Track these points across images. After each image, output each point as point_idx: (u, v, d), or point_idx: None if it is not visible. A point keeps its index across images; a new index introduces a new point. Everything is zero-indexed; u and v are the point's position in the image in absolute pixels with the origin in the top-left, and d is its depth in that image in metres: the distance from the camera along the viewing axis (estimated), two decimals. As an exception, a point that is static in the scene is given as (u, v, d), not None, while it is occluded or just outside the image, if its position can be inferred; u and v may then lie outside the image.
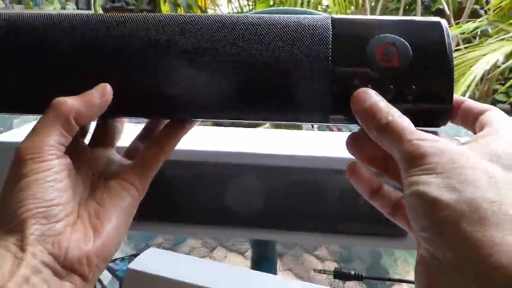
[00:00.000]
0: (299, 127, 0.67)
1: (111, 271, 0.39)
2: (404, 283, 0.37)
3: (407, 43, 0.19)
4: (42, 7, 3.51)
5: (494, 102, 2.99)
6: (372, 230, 0.29)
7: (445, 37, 0.20)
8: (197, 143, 0.30)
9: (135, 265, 0.31)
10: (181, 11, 2.96)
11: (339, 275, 0.37)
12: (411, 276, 0.38)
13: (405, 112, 0.19)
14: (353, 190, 0.28)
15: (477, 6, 2.27)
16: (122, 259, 0.41)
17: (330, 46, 0.20)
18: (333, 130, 0.61)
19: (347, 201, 0.28)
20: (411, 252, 0.42)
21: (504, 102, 2.63)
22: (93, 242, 0.19)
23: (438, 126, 0.21)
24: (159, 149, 0.22)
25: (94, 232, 0.20)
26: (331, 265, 0.38)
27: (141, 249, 0.42)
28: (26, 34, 0.21)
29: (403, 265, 0.41)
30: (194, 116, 0.22)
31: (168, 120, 0.23)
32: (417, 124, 0.19)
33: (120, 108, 0.21)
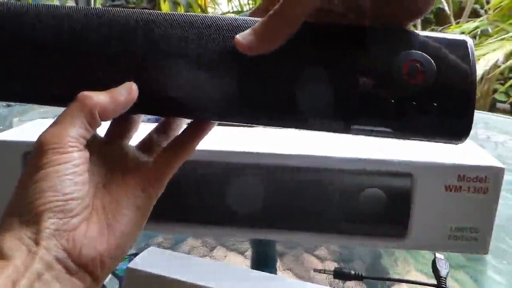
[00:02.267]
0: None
1: (111, 270, 0.39)
2: (404, 283, 0.37)
3: (432, 61, 0.20)
4: (42, 5, 3.48)
5: (494, 102, 3.00)
6: (372, 231, 0.29)
7: (470, 56, 0.20)
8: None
9: (135, 264, 0.30)
10: (181, 10, 2.95)
11: (339, 275, 0.37)
12: (411, 276, 0.38)
13: (424, 127, 0.19)
14: (354, 190, 0.28)
15: (477, 6, 2.27)
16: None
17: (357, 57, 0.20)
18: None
19: (347, 201, 0.28)
20: (411, 252, 0.42)
21: (504, 102, 2.62)
22: (107, 242, 0.19)
23: (456, 143, 0.20)
24: (180, 150, 0.22)
25: (109, 230, 0.20)
26: (331, 265, 0.38)
27: (141, 248, 0.42)
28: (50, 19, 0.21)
29: (403, 265, 0.41)
30: (213, 116, 0.22)
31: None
32: (435, 139, 0.20)
33: (139, 106, 0.21)
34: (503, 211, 0.53)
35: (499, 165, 0.27)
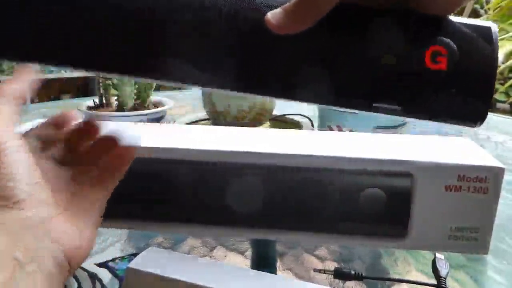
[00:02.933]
0: (299, 127, 0.67)
1: (111, 270, 0.39)
2: (404, 283, 0.37)
3: (455, 46, 0.20)
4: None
5: (494, 102, 2.99)
6: (372, 231, 0.29)
7: (494, 42, 0.20)
8: (199, 142, 0.30)
9: (135, 264, 0.30)
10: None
11: (339, 274, 0.37)
12: (411, 276, 0.38)
13: (444, 110, 0.20)
14: (353, 190, 0.28)
15: (477, 6, 2.27)
16: (122, 258, 0.40)
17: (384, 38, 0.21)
18: (333, 130, 0.61)
19: (347, 201, 0.28)
20: (411, 252, 0.42)
21: (503, 102, 2.62)
22: (79, 238, 0.20)
23: (472, 126, 0.21)
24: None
25: (80, 228, 0.21)
26: (331, 265, 0.38)
27: (141, 248, 0.42)
28: None
29: (403, 265, 0.41)
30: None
31: None
32: (451, 122, 0.20)
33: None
34: (503, 211, 0.53)
35: (499, 165, 0.27)
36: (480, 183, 0.27)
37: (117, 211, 0.30)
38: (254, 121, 0.63)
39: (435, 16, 0.21)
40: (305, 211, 0.29)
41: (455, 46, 0.20)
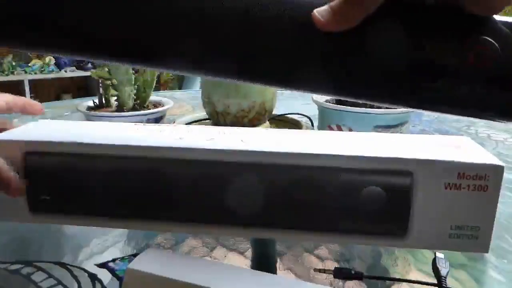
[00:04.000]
0: (299, 126, 0.67)
1: (111, 270, 0.39)
2: (404, 283, 0.37)
3: (498, 47, 0.21)
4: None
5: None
6: (372, 229, 0.29)
7: None
8: (195, 141, 0.30)
9: (135, 264, 0.30)
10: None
11: (339, 274, 0.37)
12: (411, 276, 0.38)
13: (482, 106, 0.21)
14: (353, 188, 0.28)
15: None
16: (122, 258, 0.40)
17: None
18: (333, 129, 0.60)
19: (346, 200, 0.28)
20: (411, 251, 0.42)
21: (504, 100, 2.61)
22: None
23: (505, 121, 0.23)
24: None
25: None
26: (331, 265, 0.38)
27: (141, 248, 0.42)
28: None
29: (403, 264, 0.41)
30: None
31: None
32: (491, 118, 0.21)
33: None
34: (504, 209, 0.53)
35: (499, 163, 0.27)
36: (480, 181, 0.27)
37: (112, 211, 0.31)
38: (254, 121, 0.63)
39: (480, 16, 0.21)
40: (303, 210, 0.29)
41: (497, 45, 0.21)
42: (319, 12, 0.21)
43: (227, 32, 0.21)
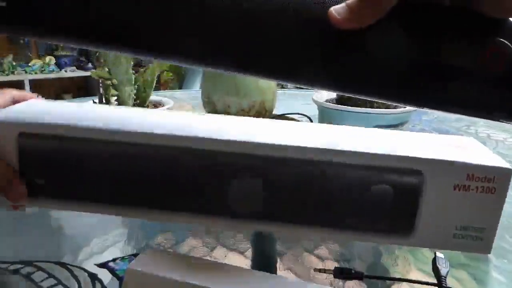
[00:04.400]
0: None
1: (111, 270, 0.39)
2: (405, 283, 0.37)
3: None
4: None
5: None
6: (378, 227, 0.29)
7: None
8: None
9: (135, 264, 0.30)
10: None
11: (339, 274, 0.37)
12: (411, 276, 0.38)
13: (495, 108, 0.21)
14: (360, 185, 0.27)
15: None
16: (122, 258, 0.40)
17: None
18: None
19: (353, 196, 0.28)
20: (411, 251, 0.42)
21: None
22: None
23: None
24: None
25: None
26: (331, 265, 0.38)
27: (141, 248, 0.42)
28: None
29: (403, 264, 0.41)
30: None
31: None
32: (496, 117, 0.21)
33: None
34: (505, 209, 0.53)
35: (508, 166, 0.27)
36: (488, 183, 0.27)
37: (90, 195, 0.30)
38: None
39: (496, 18, 0.21)
40: (311, 205, 0.28)
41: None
42: (336, 10, 0.21)
43: (229, 24, 0.21)
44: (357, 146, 0.28)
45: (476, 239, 0.28)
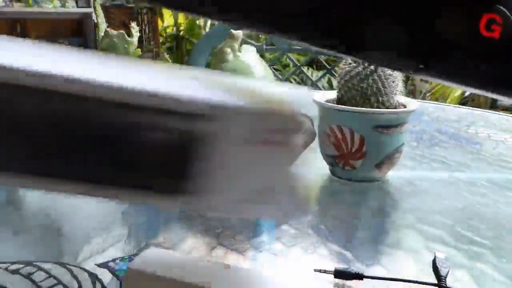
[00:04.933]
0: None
1: (111, 270, 0.39)
2: (405, 282, 0.37)
3: (510, 15, 0.20)
4: (42, 5, 3.50)
5: (495, 100, 3.00)
6: (145, 183, 0.22)
7: None
8: None
9: (135, 264, 0.30)
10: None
11: (339, 274, 0.37)
12: (411, 276, 0.38)
13: (491, 79, 0.20)
14: (128, 130, 0.21)
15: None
16: (122, 258, 0.41)
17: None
18: (333, 129, 0.60)
19: (119, 144, 0.22)
20: (411, 251, 0.42)
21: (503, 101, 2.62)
22: None
23: None
24: None
25: None
26: (331, 265, 0.38)
27: (141, 248, 0.42)
28: None
29: (403, 264, 0.41)
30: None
31: None
32: (498, 91, 0.20)
33: None
34: (504, 209, 0.53)
35: (306, 118, 0.23)
36: (282, 135, 0.23)
37: None
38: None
39: None
40: (60, 152, 0.22)
41: (510, 16, 0.20)
42: None
43: None
44: (127, 80, 0.21)
45: (272, 203, 0.24)
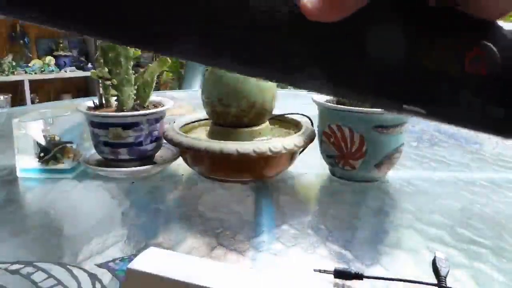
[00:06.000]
0: (299, 126, 0.67)
1: (111, 271, 0.39)
2: (405, 283, 0.37)
3: (498, 52, 0.19)
4: None
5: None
6: None
7: None
8: None
9: (135, 264, 0.30)
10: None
11: (339, 274, 0.37)
12: (411, 276, 0.38)
13: (475, 117, 0.20)
14: None
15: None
16: (122, 258, 0.41)
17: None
18: (332, 129, 0.60)
19: None
20: (411, 251, 0.42)
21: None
22: None
23: (504, 137, 0.21)
24: None
25: None
26: (331, 265, 0.38)
27: (141, 248, 0.42)
28: None
29: (403, 264, 0.41)
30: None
31: None
32: (483, 130, 0.20)
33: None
34: (503, 209, 0.53)
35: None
36: None
37: None
38: (254, 121, 0.63)
39: (482, 20, 0.20)
40: None
41: (497, 52, 0.19)
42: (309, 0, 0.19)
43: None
44: None
45: None
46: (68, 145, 0.64)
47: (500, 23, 0.20)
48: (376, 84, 0.20)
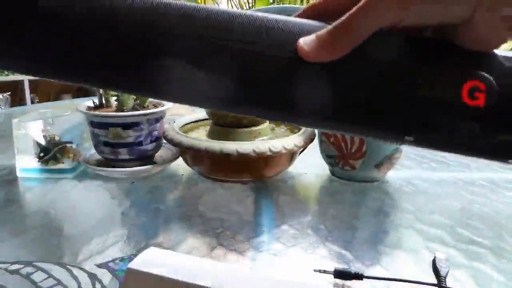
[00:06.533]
0: (299, 126, 0.67)
1: (111, 271, 0.39)
2: (405, 283, 0.37)
3: (495, 82, 0.19)
4: None
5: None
6: None
7: None
8: None
9: (134, 264, 0.30)
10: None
11: (339, 274, 0.37)
12: (411, 276, 0.38)
13: (475, 146, 0.20)
14: None
15: None
16: (122, 258, 0.40)
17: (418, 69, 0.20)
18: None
19: None
20: (411, 251, 0.42)
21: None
22: None
23: (505, 163, 0.21)
24: None
25: None
26: (331, 265, 0.38)
27: (141, 248, 0.42)
28: None
29: (403, 264, 0.41)
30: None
31: None
32: (485, 158, 0.20)
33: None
34: (503, 209, 0.53)
35: None
36: None
37: None
38: (254, 121, 0.63)
39: (478, 51, 0.20)
40: None
41: (494, 82, 0.19)
42: (305, 41, 0.20)
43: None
44: None
45: None
46: (68, 145, 0.64)
47: (496, 50, 0.20)
48: (374, 116, 0.20)
